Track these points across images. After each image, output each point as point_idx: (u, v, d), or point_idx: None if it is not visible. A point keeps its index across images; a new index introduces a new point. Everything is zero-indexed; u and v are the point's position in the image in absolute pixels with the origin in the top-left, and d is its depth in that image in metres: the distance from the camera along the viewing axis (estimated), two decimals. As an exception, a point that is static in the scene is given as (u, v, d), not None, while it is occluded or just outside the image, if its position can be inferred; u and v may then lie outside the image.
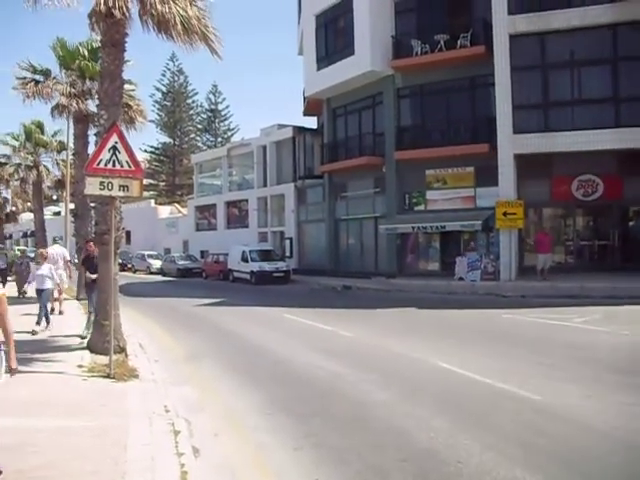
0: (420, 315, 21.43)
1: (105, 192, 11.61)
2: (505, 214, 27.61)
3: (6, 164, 45.60)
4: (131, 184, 11.65)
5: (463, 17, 31.46)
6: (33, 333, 16.35)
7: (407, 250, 35.14)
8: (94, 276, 15.61)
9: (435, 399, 10.07)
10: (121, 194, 11.80)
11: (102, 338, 13.45)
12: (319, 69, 37.92)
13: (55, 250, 23.46)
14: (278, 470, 7.36)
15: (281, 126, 48.13)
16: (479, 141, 29.81)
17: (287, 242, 45.53)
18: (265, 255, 40.54)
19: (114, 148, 11.48)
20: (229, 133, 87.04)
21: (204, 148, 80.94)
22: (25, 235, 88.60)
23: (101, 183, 11.45)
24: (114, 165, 11.49)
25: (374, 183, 36.41)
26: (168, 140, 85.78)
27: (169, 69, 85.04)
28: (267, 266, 38.83)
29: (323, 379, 11.89)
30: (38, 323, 17.02)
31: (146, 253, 55.55)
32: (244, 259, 40.07)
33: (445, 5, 32.28)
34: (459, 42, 30.93)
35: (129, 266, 54.50)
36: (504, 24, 27.77)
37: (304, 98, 42.82)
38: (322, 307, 24.19)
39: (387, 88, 34.39)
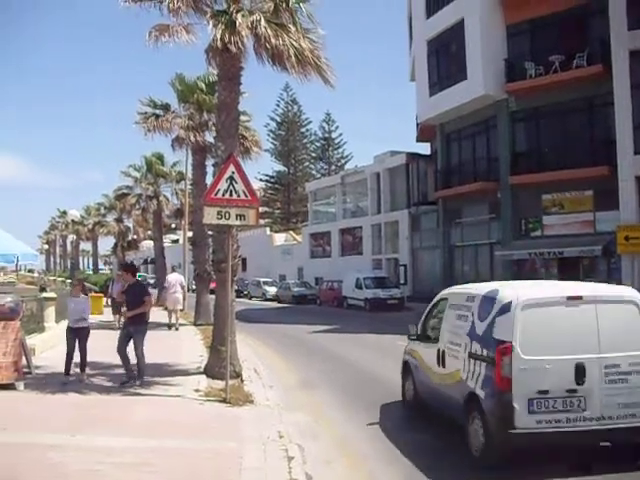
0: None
1: (222, 221, 11.95)
2: (627, 238, 26.40)
3: (128, 194, 47.47)
4: (247, 213, 11.95)
5: (578, 36, 30.46)
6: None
7: (523, 277, 34.27)
8: (130, 313, 13.69)
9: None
10: (238, 223, 12.12)
11: (218, 363, 13.76)
12: (432, 95, 37.78)
13: (173, 277, 27.79)
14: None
15: (394, 153, 48.17)
16: (598, 163, 28.74)
17: (401, 269, 45.35)
18: (379, 282, 40.47)
19: (231, 178, 11.83)
20: (342, 161, 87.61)
21: (318, 176, 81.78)
22: (145, 262, 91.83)
23: (219, 212, 11.81)
24: (231, 195, 11.82)
25: (489, 209, 35.83)
26: (283, 169, 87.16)
27: (283, 99, 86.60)
28: (381, 293, 38.76)
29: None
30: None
31: (262, 280, 56.44)
32: (358, 286, 40.15)
33: (559, 25, 31.35)
34: (575, 62, 30.06)
35: (245, 292, 55.45)
36: (624, 40, 26.78)
37: (417, 124, 42.76)
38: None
39: (501, 112, 33.87)
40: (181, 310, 27.02)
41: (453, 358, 9.54)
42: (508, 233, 33.61)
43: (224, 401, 11.74)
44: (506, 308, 8.42)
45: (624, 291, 9.19)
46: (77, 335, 13.78)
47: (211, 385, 13.27)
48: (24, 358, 13.75)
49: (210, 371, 14.32)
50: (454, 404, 9.30)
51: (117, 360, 16.69)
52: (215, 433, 9.68)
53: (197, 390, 12.83)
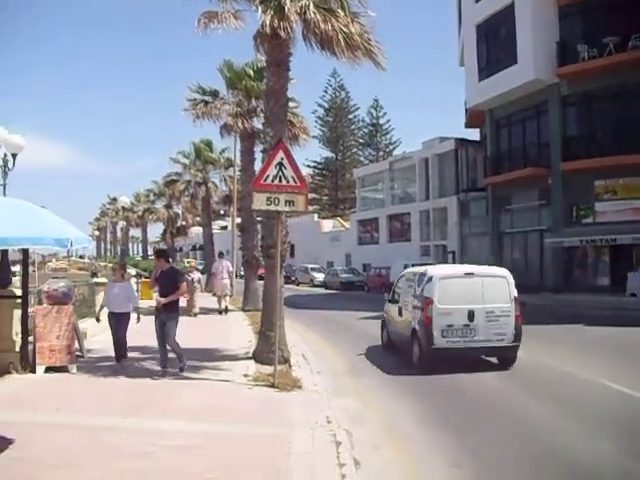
0: (588, 333, 20.51)
1: (272, 207, 11.97)
2: (682, 226, 25.89)
3: (177, 181, 47.96)
4: (296, 199, 11.95)
5: (634, 17, 29.67)
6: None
7: (574, 264, 33.78)
8: (164, 300, 13.01)
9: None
10: (287, 209, 12.13)
11: (267, 348, 13.82)
12: (481, 80, 37.34)
13: (220, 263, 28.47)
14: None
15: (443, 139, 47.80)
16: (654, 148, 28.11)
17: (449, 256, 45.02)
18: (427, 269, 40.14)
19: (280, 164, 11.83)
20: (390, 147, 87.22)
21: (366, 162, 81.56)
22: (194, 248, 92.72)
23: (268, 198, 11.83)
24: (280, 181, 11.83)
25: (539, 195, 35.30)
26: (330, 155, 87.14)
27: (330, 85, 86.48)
28: (429, 280, 38.45)
29: (481, 393, 11.81)
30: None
31: (309, 266, 56.65)
32: (406, 273, 39.95)
33: (613, 5, 30.30)
34: (630, 43, 29.39)
35: (293, 279, 55.69)
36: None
37: (466, 110, 42.29)
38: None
39: (552, 96, 33.28)
40: (230, 296, 27.34)
41: (406, 310, 15.32)
42: (559, 220, 33.10)
43: (272, 386, 11.79)
44: (430, 279, 14.18)
45: (499, 271, 14.90)
46: (118, 320, 13.51)
47: (259, 370, 13.35)
48: (76, 342, 14.02)
49: (259, 356, 14.41)
50: (405, 338, 15.00)
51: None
52: (264, 418, 9.73)
53: (246, 375, 12.92)
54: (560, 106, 33.16)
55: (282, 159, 11.89)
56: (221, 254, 30.96)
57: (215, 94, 29.12)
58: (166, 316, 12.97)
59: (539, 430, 9.29)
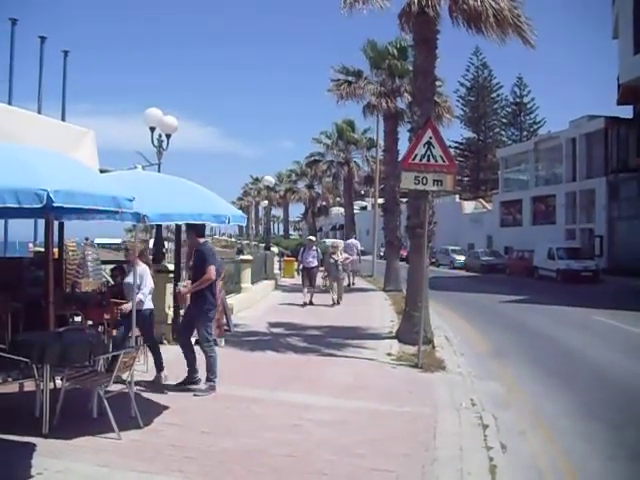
0: None
1: (420, 186, 11.87)
2: None
3: (320, 161, 48.59)
4: (444, 178, 11.79)
5: None
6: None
7: None
8: (184, 289, 10.07)
9: None
10: (435, 188, 11.99)
11: (411, 329, 13.80)
12: (636, 53, 35.33)
13: (351, 242, 30.17)
14: (590, 480, 7.08)
15: (592, 117, 45.80)
16: None
17: (596, 240, 43.24)
18: (573, 253, 38.77)
19: (428, 143, 11.70)
20: (535, 126, 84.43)
21: (509, 142, 79.51)
22: (334, 228, 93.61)
23: (416, 178, 11.74)
24: (428, 160, 11.70)
25: (698, 177, 33.24)
26: (472, 135, 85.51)
27: (473, 64, 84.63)
28: (574, 264, 37.07)
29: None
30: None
31: (450, 248, 55.93)
32: (550, 256, 38.77)
33: None
34: None
35: (433, 260, 55.10)
36: None
37: (618, 86, 40.27)
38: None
39: None
40: (369, 276, 27.66)
41: None
42: None
43: (416, 366, 11.77)
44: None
45: None
46: (138, 320, 9.18)
47: (403, 350, 13.35)
48: (224, 317, 14.46)
49: (402, 336, 14.42)
50: None
51: (311, 320, 17.34)
52: (408, 397, 9.72)
53: (389, 354, 12.96)
54: None
55: (430, 138, 11.74)
56: (353, 234, 32.20)
57: (359, 74, 29.20)
58: (194, 310, 9.90)
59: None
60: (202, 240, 9.91)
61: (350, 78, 29.13)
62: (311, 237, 25.95)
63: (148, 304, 9.63)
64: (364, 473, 6.50)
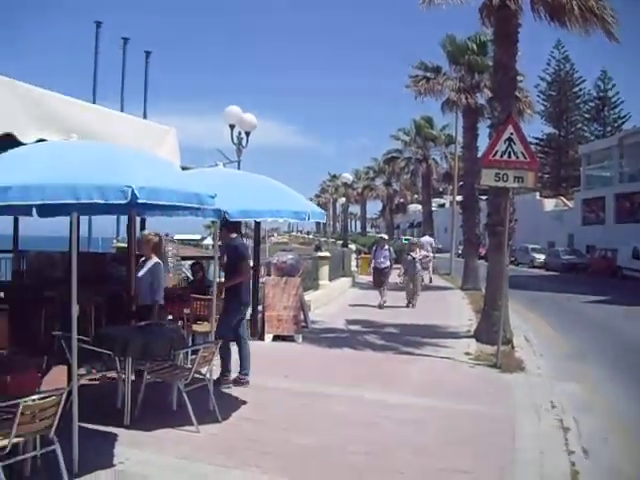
0: None
1: (500, 183, 11.66)
2: None
3: (397, 158, 48.43)
4: (526, 175, 11.55)
5: None
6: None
7: None
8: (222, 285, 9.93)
9: None
10: (515, 185, 11.76)
11: (490, 328, 13.62)
12: None
13: (425, 239, 31.50)
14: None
15: (682, 111, 44.19)
16: None
17: (687, 240, 41.71)
18: (660, 252, 37.47)
19: (509, 139, 11.48)
20: (619, 121, 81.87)
21: (591, 138, 77.31)
22: (411, 225, 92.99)
23: (496, 174, 11.53)
24: (509, 156, 11.48)
25: None
26: (553, 131, 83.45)
27: (554, 57, 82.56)
28: (661, 264, 35.85)
29: None
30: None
31: (530, 246, 54.83)
32: (635, 256, 37.58)
33: None
34: None
35: (512, 259, 54.08)
36: None
37: None
38: None
39: None
40: (447, 274, 27.40)
41: None
42: None
43: (494, 366, 11.59)
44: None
45: None
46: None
47: (481, 349, 13.18)
48: (302, 313, 14.55)
49: (480, 335, 14.23)
50: None
51: (388, 318, 17.32)
52: (486, 397, 9.58)
53: (467, 353, 12.82)
54: None
55: (511, 134, 11.52)
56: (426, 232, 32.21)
57: (437, 70, 28.99)
58: (228, 305, 9.71)
59: None
60: (233, 235, 9.86)
61: (429, 74, 28.94)
62: (383, 235, 25.52)
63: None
64: (441, 473, 6.45)
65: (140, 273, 9.14)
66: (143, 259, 9.22)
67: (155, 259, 9.14)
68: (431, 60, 29.30)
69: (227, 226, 9.58)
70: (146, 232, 9.41)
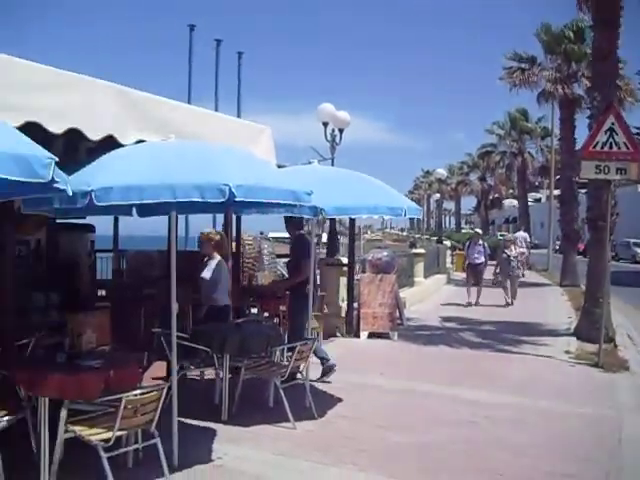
0: None
1: (601, 176, 11.22)
2: None
3: (492, 152, 47.62)
4: (629, 167, 11.05)
5: None
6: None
7: None
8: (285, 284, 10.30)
9: None
10: (618, 177, 11.29)
11: (591, 326, 13.16)
12: None
13: (520, 234, 30.64)
14: None
15: None
16: None
17: None
18: None
19: (611, 130, 11.03)
20: None
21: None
22: (507, 221, 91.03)
23: (597, 166, 11.10)
24: (610, 147, 11.04)
25: None
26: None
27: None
28: None
29: None
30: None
31: (632, 241, 52.89)
32: None
33: None
34: None
35: (613, 254, 52.28)
36: None
37: None
38: None
39: None
40: (544, 270, 26.75)
41: None
42: None
43: (596, 365, 11.17)
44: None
45: None
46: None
47: (582, 348, 12.76)
48: (397, 310, 14.45)
49: (581, 333, 13.78)
50: None
51: (484, 315, 17.03)
52: (588, 398, 9.26)
53: (567, 352, 12.42)
54: None
55: (613, 124, 11.06)
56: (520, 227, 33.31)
57: (532, 60, 28.34)
58: (292, 304, 9.59)
59: None
60: (298, 233, 9.55)
61: (523, 65, 28.32)
62: (477, 230, 25.09)
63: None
64: (542, 476, 6.24)
65: (204, 274, 8.75)
66: (206, 259, 8.89)
67: (218, 258, 8.83)
68: (525, 50, 28.69)
69: (292, 223, 9.30)
70: (207, 230, 9.11)
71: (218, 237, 8.97)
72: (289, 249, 10.08)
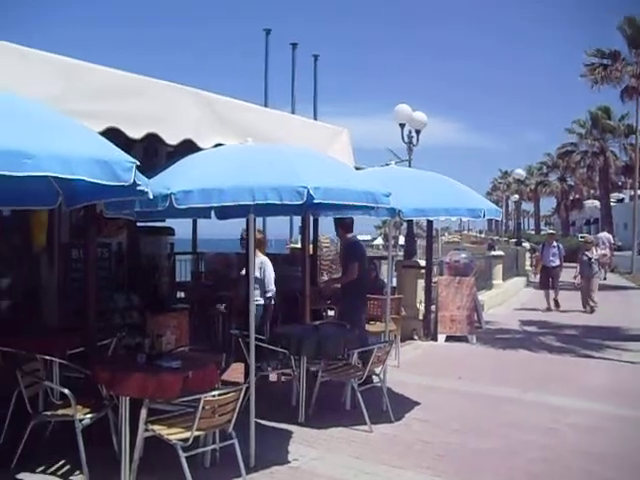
0: None
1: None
2: None
3: (573, 152, 46.52)
4: None
5: None
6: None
7: None
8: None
9: None
10: None
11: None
12: None
13: (603, 235, 31.00)
14: None
15: None
16: None
17: None
18: None
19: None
20: None
21: None
22: (588, 222, 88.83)
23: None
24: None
25: None
26: None
27: None
28: None
29: None
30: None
31: None
32: None
33: None
34: None
35: None
36: None
37: None
38: None
39: None
40: (628, 273, 26.06)
41: None
42: None
43: (685, 372, 10.81)
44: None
45: None
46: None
47: (669, 354, 12.34)
48: (475, 313, 14.26)
49: (668, 338, 13.34)
50: None
51: (565, 319, 16.66)
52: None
53: (653, 358, 12.02)
54: None
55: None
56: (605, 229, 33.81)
57: (615, 56, 27.61)
58: (341, 308, 9.71)
59: None
60: (349, 235, 9.47)
61: (605, 61, 27.63)
62: (550, 231, 24.40)
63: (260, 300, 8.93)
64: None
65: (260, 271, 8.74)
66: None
67: (262, 257, 8.91)
68: (608, 47, 27.95)
69: (342, 225, 9.26)
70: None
71: (260, 236, 8.98)
72: (339, 253, 10.12)
